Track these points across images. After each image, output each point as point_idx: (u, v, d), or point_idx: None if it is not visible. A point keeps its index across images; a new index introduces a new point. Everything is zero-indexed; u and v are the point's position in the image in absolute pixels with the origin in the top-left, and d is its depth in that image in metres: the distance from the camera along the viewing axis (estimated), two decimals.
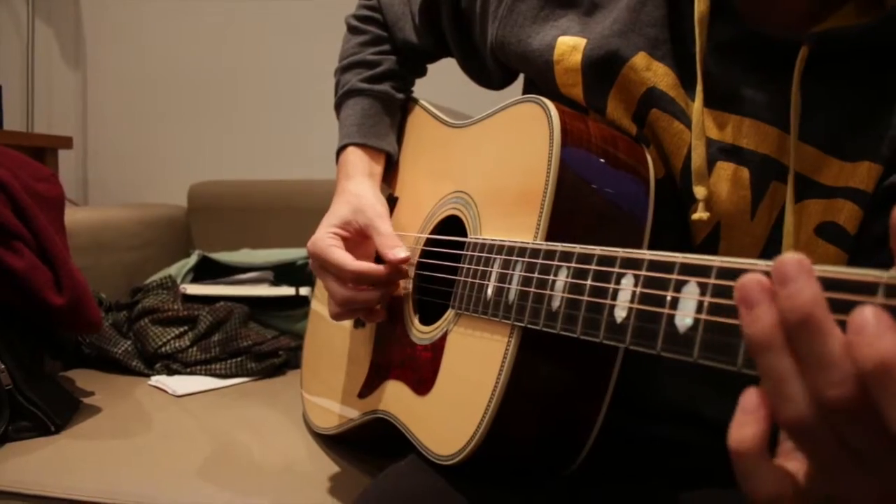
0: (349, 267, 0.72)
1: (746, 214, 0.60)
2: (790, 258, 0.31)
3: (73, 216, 1.31)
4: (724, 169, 0.60)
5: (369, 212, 0.77)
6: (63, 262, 1.05)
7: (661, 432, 0.67)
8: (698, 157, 0.59)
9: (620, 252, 0.47)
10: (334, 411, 0.88)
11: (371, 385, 0.79)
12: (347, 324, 0.88)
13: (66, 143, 1.91)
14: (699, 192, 0.59)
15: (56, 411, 0.99)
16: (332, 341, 0.92)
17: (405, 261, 0.72)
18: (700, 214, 0.59)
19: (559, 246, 0.53)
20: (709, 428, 0.63)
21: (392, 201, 0.87)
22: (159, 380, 1.20)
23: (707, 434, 0.64)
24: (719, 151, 0.60)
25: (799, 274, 0.31)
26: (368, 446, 0.90)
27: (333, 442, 0.92)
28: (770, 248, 0.60)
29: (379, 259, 0.75)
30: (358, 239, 0.78)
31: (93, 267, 1.40)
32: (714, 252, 0.62)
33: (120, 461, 0.91)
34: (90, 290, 1.10)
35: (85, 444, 0.96)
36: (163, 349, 1.25)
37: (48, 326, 1.11)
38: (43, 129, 2.08)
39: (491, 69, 0.79)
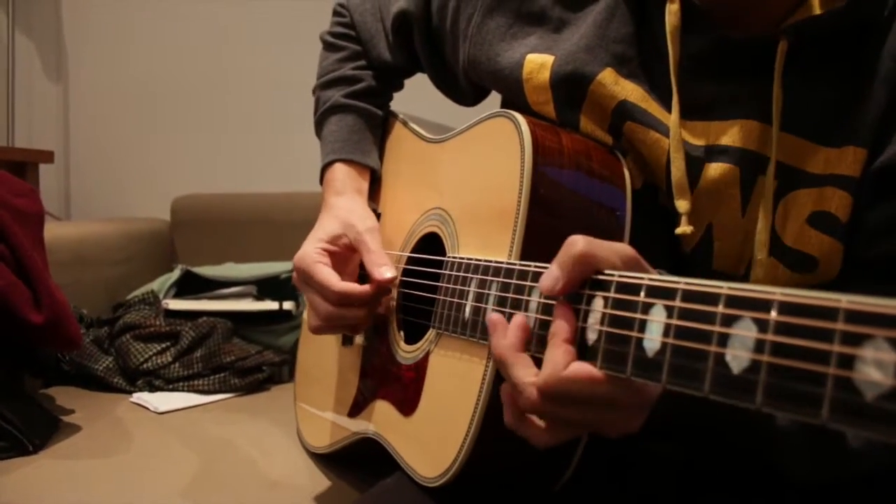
0: (334, 287, 0.71)
1: (737, 212, 0.60)
2: (491, 318, 0.53)
3: (54, 231, 1.30)
4: (712, 170, 0.59)
5: (360, 226, 0.77)
6: (42, 280, 1.04)
7: (653, 447, 0.67)
8: (678, 171, 0.59)
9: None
10: (326, 430, 0.87)
11: (360, 404, 0.79)
12: (337, 340, 0.88)
13: (47, 157, 1.90)
14: (681, 206, 0.59)
15: (35, 430, 0.97)
16: (323, 357, 0.91)
17: (392, 281, 0.72)
18: (684, 228, 0.59)
19: (532, 266, 0.53)
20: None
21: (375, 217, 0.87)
22: (141, 397, 1.19)
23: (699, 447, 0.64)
24: (705, 153, 0.59)
25: (494, 329, 0.52)
26: (358, 463, 0.89)
27: (320, 458, 0.92)
28: None
29: (364, 276, 0.75)
30: (346, 254, 0.78)
31: (74, 282, 1.39)
32: (709, 253, 0.61)
33: (101, 480, 0.90)
34: (70, 307, 1.09)
35: (65, 463, 0.95)
36: (145, 365, 1.24)
37: (27, 344, 1.10)
38: (24, 143, 2.06)
39: (464, 86, 0.79)
